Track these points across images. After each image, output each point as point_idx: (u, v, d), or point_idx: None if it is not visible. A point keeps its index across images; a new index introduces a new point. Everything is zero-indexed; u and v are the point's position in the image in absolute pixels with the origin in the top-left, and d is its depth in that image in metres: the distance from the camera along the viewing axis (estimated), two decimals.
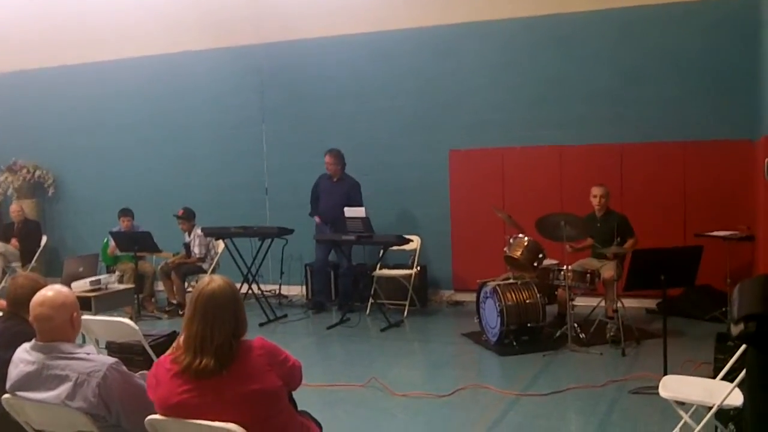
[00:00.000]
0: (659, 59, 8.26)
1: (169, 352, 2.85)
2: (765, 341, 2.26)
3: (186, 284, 8.99)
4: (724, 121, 7.99)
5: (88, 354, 3.05)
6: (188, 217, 9.19)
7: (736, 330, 2.28)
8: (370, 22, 9.40)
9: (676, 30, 8.18)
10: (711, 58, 8.06)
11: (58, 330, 3.07)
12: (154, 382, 2.82)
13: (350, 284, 8.84)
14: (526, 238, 7.06)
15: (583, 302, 7.49)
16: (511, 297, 6.80)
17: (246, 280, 8.41)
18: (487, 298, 7.05)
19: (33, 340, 3.11)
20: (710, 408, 3.64)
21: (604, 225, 7.22)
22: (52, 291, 3.14)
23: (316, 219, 8.96)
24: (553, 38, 8.68)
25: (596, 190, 7.33)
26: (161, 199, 10.09)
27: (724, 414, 3.91)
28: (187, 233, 9.25)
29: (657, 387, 3.98)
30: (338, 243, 8.50)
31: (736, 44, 7.90)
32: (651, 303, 8.03)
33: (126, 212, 9.32)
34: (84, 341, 4.53)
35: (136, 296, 8.37)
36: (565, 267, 6.82)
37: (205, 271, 8.92)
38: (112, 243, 9.30)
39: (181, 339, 2.82)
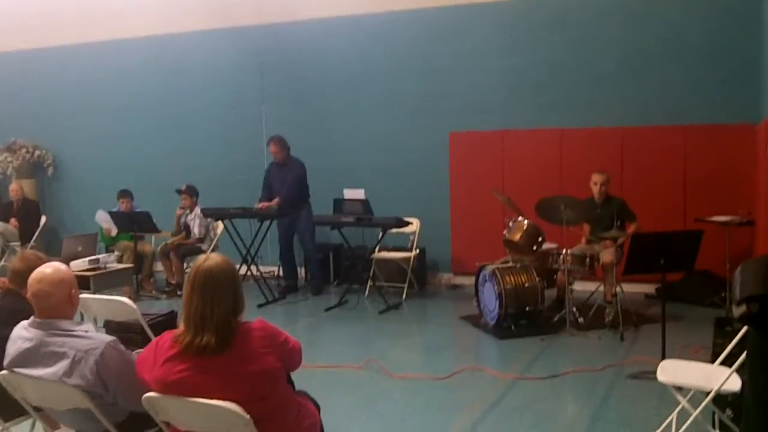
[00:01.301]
0: (661, 43, 8.21)
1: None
2: (767, 322, 2.24)
3: (185, 265, 9.00)
4: (725, 105, 7.96)
5: (87, 332, 3.05)
6: (191, 193, 9.18)
7: (738, 311, 2.26)
8: (371, 3, 9.34)
9: (678, 14, 8.13)
10: (713, 42, 8.02)
11: (57, 307, 3.07)
12: (151, 359, 2.80)
13: (317, 265, 8.96)
14: (525, 222, 7.02)
15: (582, 286, 7.48)
16: (510, 280, 6.80)
17: (245, 261, 8.40)
18: (485, 281, 7.05)
19: (31, 318, 3.10)
20: (708, 393, 3.64)
21: (604, 210, 7.18)
22: (50, 268, 3.13)
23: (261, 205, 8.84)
24: (556, 21, 8.62)
25: (597, 177, 7.26)
26: (160, 179, 10.05)
27: (721, 399, 3.90)
28: (188, 211, 9.23)
29: (655, 371, 3.96)
30: (294, 225, 8.65)
31: (738, 28, 7.86)
32: (650, 288, 8.04)
33: (125, 193, 9.30)
34: (82, 319, 4.52)
35: (134, 276, 8.39)
36: (564, 251, 6.80)
37: (204, 252, 8.89)
38: (105, 225, 9.28)
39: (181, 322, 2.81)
